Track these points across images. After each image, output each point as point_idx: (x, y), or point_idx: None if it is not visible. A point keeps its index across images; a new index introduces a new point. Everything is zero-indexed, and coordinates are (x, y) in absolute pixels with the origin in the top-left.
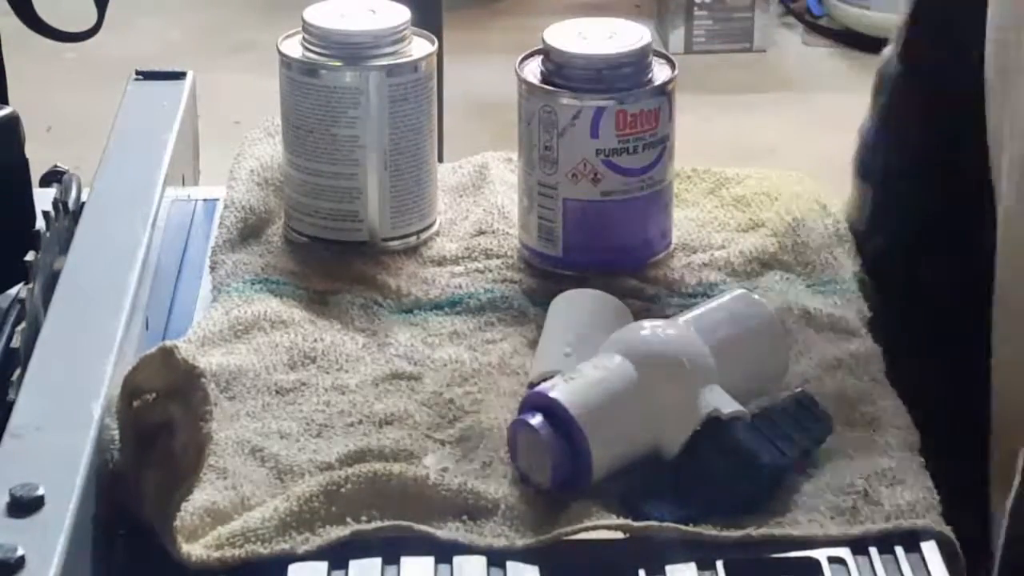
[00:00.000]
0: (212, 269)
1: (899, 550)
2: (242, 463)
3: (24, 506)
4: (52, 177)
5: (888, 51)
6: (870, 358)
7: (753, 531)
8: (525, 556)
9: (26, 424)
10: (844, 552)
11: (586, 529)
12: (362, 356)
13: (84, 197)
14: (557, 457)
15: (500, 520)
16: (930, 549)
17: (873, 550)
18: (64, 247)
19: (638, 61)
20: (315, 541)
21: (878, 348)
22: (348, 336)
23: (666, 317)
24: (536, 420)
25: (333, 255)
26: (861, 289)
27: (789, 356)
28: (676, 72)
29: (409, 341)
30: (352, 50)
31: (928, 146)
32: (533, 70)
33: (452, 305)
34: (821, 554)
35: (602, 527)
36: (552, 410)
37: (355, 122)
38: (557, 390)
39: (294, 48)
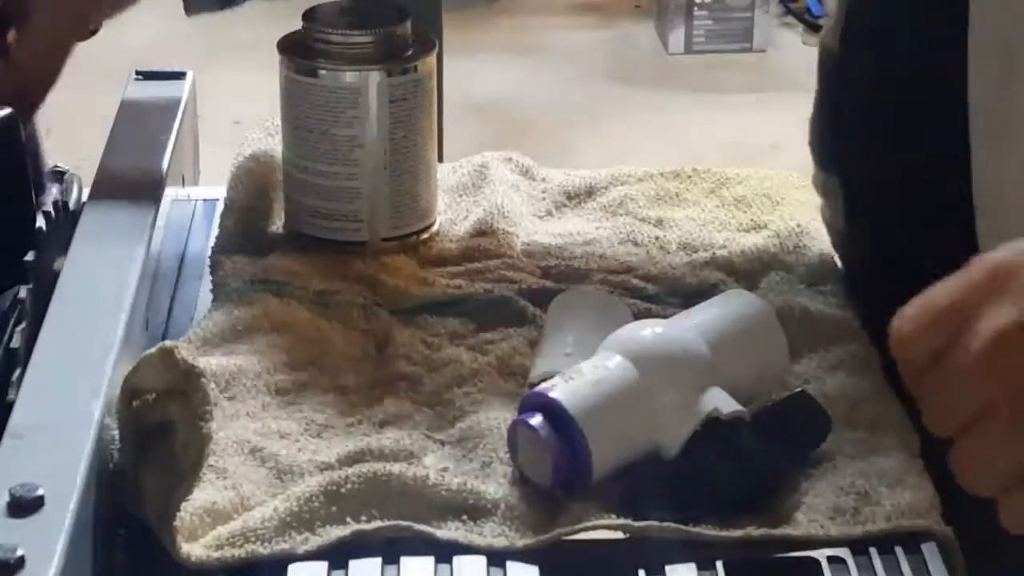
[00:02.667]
0: (212, 269)
1: (899, 550)
2: (242, 463)
3: (24, 506)
4: (52, 177)
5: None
6: (870, 358)
7: (753, 531)
8: (525, 556)
9: (26, 424)
10: (844, 552)
11: (586, 529)
12: (362, 356)
13: (84, 197)
14: (557, 457)
15: (500, 520)
16: (930, 550)
17: (873, 550)
18: (64, 247)
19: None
20: (315, 541)
21: (875, 349)
22: (348, 336)
23: (666, 317)
24: (536, 420)
25: (333, 255)
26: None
27: (789, 356)
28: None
29: (409, 341)
30: (352, 50)
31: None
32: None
33: (452, 305)
34: (821, 554)
35: (602, 527)
36: (552, 410)
37: (355, 122)
38: (557, 390)
39: (294, 48)
